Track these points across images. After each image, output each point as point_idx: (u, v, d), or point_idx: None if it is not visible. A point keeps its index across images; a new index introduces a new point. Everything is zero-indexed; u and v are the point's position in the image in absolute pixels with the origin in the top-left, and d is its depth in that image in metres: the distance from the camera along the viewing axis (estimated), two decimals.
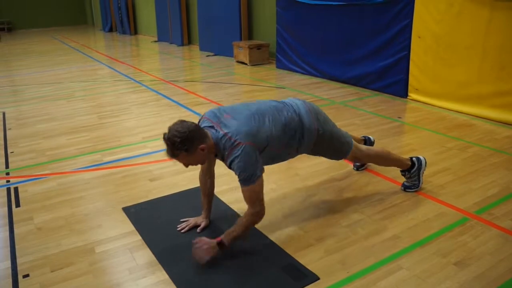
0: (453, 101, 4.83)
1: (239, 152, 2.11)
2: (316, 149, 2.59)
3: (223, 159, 2.24)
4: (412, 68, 5.26)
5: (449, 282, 2.05)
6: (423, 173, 2.93)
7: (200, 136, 2.13)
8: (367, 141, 3.29)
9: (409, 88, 5.36)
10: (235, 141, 2.12)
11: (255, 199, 2.20)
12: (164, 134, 2.12)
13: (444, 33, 4.78)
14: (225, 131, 2.16)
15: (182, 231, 2.54)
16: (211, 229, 2.57)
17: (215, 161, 2.50)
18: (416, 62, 5.19)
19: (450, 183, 3.06)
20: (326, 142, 2.55)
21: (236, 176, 2.19)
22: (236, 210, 2.75)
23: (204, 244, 2.18)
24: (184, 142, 2.07)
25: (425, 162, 2.93)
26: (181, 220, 2.62)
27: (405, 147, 3.85)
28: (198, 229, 2.54)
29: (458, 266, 2.16)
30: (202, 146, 2.13)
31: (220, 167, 2.52)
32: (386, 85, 5.67)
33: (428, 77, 5.10)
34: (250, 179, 2.14)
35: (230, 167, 2.20)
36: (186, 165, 2.21)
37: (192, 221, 2.59)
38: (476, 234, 2.43)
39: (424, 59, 5.09)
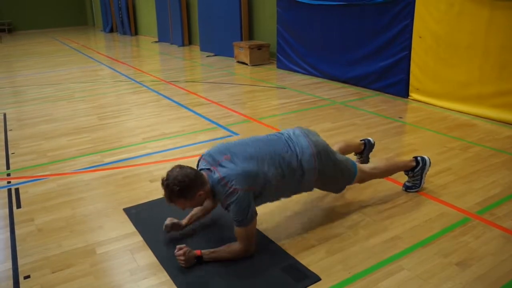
0: (454, 101, 4.83)
1: (234, 198, 2.13)
2: (320, 184, 2.57)
3: (220, 202, 2.26)
4: (413, 68, 5.25)
5: (451, 282, 2.04)
6: (426, 173, 2.92)
7: (198, 184, 2.15)
8: (367, 144, 3.26)
9: (410, 88, 5.36)
10: (230, 187, 2.13)
11: (247, 239, 2.23)
12: (163, 179, 2.15)
13: (444, 33, 4.78)
14: (222, 174, 2.16)
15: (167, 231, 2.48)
16: (213, 229, 2.57)
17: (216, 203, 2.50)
18: (417, 62, 5.18)
19: (452, 183, 3.05)
20: (328, 176, 2.53)
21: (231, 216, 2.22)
22: None
23: (181, 256, 2.19)
24: (182, 191, 2.10)
25: (430, 163, 2.92)
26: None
27: (406, 147, 3.85)
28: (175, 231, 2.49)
29: (459, 266, 2.16)
30: (201, 192, 2.16)
31: None
32: (387, 85, 5.66)
33: (429, 77, 5.09)
34: (244, 222, 2.17)
35: (226, 209, 2.23)
36: (183, 209, 2.24)
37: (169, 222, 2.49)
38: (477, 234, 2.43)
39: (425, 59, 5.08)
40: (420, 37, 5.06)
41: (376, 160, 3.22)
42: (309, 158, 2.38)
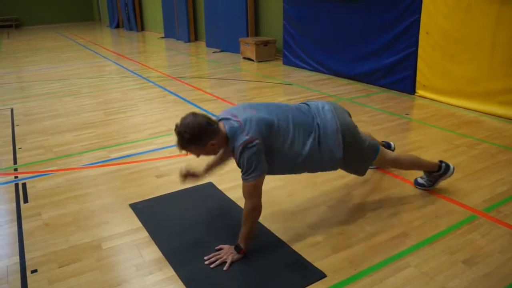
0: (461, 97, 4.79)
1: (249, 150, 2.10)
2: (344, 164, 2.50)
3: (233, 151, 2.20)
4: (420, 64, 5.22)
5: (457, 280, 2.03)
6: (443, 179, 2.85)
7: (211, 133, 2.13)
8: (385, 146, 3.22)
9: (417, 84, 5.33)
10: (247, 135, 2.11)
11: (254, 194, 2.18)
12: (176, 125, 2.14)
13: (452, 29, 4.74)
14: (240, 119, 2.17)
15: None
16: (217, 227, 2.57)
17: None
18: (424, 58, 5.15)
19: (459, 181, 3.03)
20: (353, 155, 2.46)
21: (240, 171, 2.19)
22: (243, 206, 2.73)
23: (225, 254, 2.22)
24: (192, 139, 2.10)
25: (452, 172, 2.84)
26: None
27: (413, 144, 3.83)
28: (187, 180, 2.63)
29: (466, 264, 2.15)
30: (213, 142, 2.14)
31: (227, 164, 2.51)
32: (393, 82, 5.63)
33: (436, 74, 5.06)
34: (251, 175, 2.13)
35: (238, 160, 2.18)
36: (198, 156, 2.25)
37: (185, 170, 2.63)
38: (484, 232, 2.42)
39: (432, 55, 5.05)
40: (428, 33, 5.02)
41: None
42: (332, 136, 2.36)
